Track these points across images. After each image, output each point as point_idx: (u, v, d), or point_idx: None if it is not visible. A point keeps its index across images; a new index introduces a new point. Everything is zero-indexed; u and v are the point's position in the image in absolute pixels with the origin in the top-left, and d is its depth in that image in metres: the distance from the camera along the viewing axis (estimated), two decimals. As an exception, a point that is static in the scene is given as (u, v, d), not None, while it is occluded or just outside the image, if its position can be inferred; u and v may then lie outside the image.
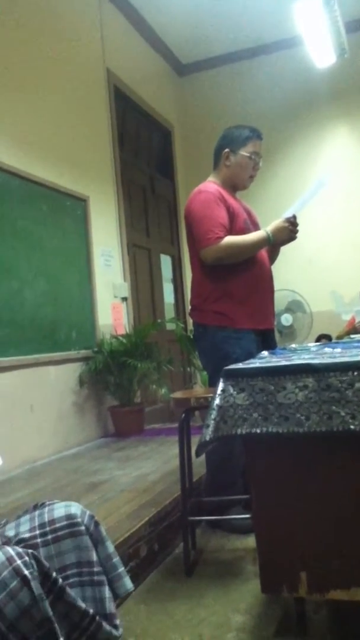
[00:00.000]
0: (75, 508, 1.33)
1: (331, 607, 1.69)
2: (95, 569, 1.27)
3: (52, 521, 1.29)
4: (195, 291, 2.61)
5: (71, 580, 1.25)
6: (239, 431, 1.52)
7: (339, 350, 1.85)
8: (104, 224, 4.75)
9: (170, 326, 5.36)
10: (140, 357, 4.24)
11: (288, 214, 2.49)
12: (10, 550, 1.14)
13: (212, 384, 2.48)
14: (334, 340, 3.42)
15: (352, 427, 1.41)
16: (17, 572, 1.10)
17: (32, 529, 1.29)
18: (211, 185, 2.56)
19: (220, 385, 1.56)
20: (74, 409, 4.05)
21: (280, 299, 4.90)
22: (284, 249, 2.70)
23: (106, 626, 1.23)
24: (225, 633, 1.66)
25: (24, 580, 1.10)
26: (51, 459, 3.63)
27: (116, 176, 5.03)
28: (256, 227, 2.65)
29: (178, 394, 2.39)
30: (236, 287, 2.49)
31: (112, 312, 4.73)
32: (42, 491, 2.80)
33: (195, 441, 2.15)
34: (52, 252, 3.99)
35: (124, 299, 4.95)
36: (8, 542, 1.25)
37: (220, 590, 1.95)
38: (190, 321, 3.42)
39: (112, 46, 5.04)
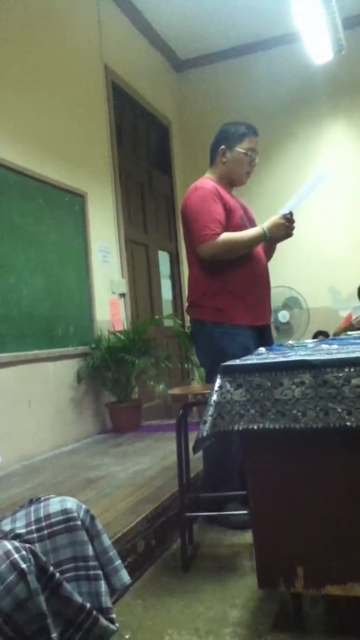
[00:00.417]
0: (70, 503, 1.33)
1: (327, 603, 1.70)
2: (91, 564, 1.27)
3: (47, 516, 1.29)
4: (192, 287, 2.61)
5: (67, 575, 1.25)
6: (236, 427, 1.52)
7: (335, 346, 1.86)
8: (102, 220, 4.75)
9: (167, 322, 5.37)
10: (138, 353, 4.25)
11: (284, 210, 2.49)
12: (7, 544, 1.15)
13: (210, 380, 2.48)
14: (331, 337, 3.42)
15: (348, 423, 1.42)
16: (14, 566, 1.10)
17: (28, 524, 1.29)
18: (208, 181, 2.56)
19: (218, 382, 1.57)
20: (72, 405, 4.05)
21: (277, 296, 4.91)
22: (281, 246, 2.70)
23: (102, 621, 1.23)
24: (222, 628, 1.67)
25: (21, 574, 1.10)
26: (48, 455, 3.63)
27: (114, 172, 5.03)
28: (252, 223, 2.65)
29: (176, 391, 2.40)
30: (233, 283, 2.49)
31: (110, 308, 4.73)
32: (39, 487, 2.80)
33: (192, 437, 2.16)
34: (49, 247, 3.98)
35: (122, 295, 4.95)
36: (4, 537, 1.25)
37: (217, 585, 1.96)
38: (188, 317, 3.42)
39: (110, 42, 5.02)
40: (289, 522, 1.55)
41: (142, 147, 5.82)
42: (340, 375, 1.44)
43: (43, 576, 1.14)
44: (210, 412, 1.55)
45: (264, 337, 2.59)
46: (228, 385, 1.55)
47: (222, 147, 2.57)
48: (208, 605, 1.82)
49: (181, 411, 2.24)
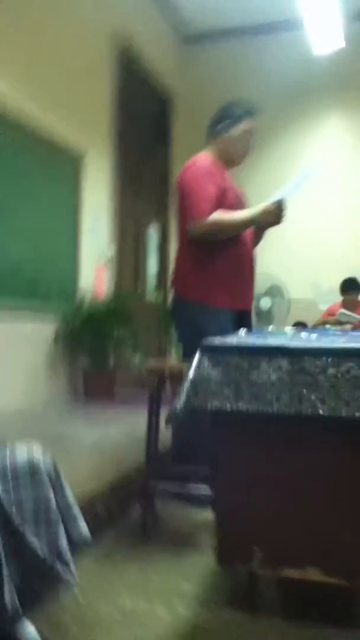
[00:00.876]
0: (37, 452, 1.33)
1: (282, 585, 1.74)
2: (53, 517, 1.28)
3: (13, 467, 1.28)
4: (178, 264, 2.60)
5: (28, 525, 1.26)
6: (209, 405, 1.53)
7: (314, 336, 1.88)
8: (96, 185, 4.69)
9: (150, 296, 5.35)
10: (118, 323, 4.24)
11: (276, 197, 2.48)
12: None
13: (186, 357, 2.49)
14: (309, 329, 3.45)
15: (320, 411, 1.43)
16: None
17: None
18: (204, 159, 2.53)
19: (197, 358, 1.57)
20: (46, 367, 4.04)
21: (261, 282, 4.92)
22: (269, 233, 2.70)
23: (61, 571, 1.25)
24: (174, 598, 1.70)
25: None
26: (17, 412, 3.62)
27: (112, 139, 4.95)
28: (244, 207, 2.64)
29: (152, 363, 2.41)
30: (218, 264, 2.49)
31: (94, 275, 4.70)
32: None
33: (164, 411, 2.17)
34: (41, 205, 3.92)
35: (108, 263, 4.91)
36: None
37: (174, 557, 1.99)
38: (169, 293, 3.42)
39: (120, 6, 4.90)
40: (250, 502, 1.58)
41: (142, 117, 5.72)
42: (318, 363, 1.45)
43: (8, 526, 1.15)
44: (185, 388, 1.55)
45: (243, 321, 2.60)
46: (206, 363, 1.55)
47: (221, 125, 2.54)
48: (163, 576, 1.85)
49: (155, 384, 2.25)
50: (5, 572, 1.14)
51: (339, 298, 5.39)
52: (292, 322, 5.18)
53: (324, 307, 5.62)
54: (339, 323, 4.58)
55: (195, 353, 1.59)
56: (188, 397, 1.55)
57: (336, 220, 5.81)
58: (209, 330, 2.35)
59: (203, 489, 2.27)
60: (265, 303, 5.49)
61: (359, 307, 5.32)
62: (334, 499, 1.50)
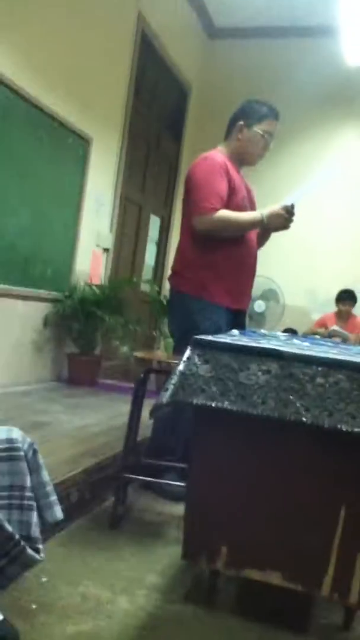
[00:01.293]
0: (16, 433, 1.32)
1: (242, 584, 1.75)
2: (27, 494, 1.27)
3: None
4: (179, 257, 2.58)
5: (1, 502, 1.25)
6: (195, 400, 1.52)
7: (307, 344, 1.87)
8: (102, 170, 4.65)
9: (145, 287, 5.34)
10: (109, 310, 4.22)
11: (287, 201, 2.47)
12: None
13: (177, 352, 2.48)
14: (300, 336, 3.45)
15: (304, 419, 1.43)
16: None
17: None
18: (219, 154, 2.52)
19: (187, 353, 1.56)
20: (33, 348, 4.02)
21: (257, 285, 4.90)
22: (274, 236, 2.69)
23: (29, 550, 1.24)
24: (137, 589, 1.70)
25: None
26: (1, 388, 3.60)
27: (124, 125, 4.91)
28: (253, 206, 2.63)
29: (141, 354, 2.40)
30: (220, 261, 2.47)
31: (91, 260, 4.67)
32: (-16, 420, 2.78)
33: (147, 403, 2.16)
34: (44, 185, 3.89)
35: (106, 250, 4.89)
36: None
37: (141, 548, 1.99)
38: (165, 287, 3.40)
39: (149, -11, 4.86)
40: (222, 502, 1.58)
41: (158, 106, 5.69)
42: (307, 371, 1.45)
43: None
44: (173, 381, 1.54)
45: (238, 321, 2.59)
46: (196, 359, 1.54)
47: (241, 122, 2.52)
48: (128, 566, 1.84)
49: (142, 375, 2.24)
50: None
51: (332, 308, 5.42)
52: (283, 328, 5.19)
53: (316, 317, 5.65)
54: (330, 336, 4.61)
55: (186, 347, 1.58)
56: (175, 390, 1.54)
57: (339, 231, 5.82)
58: (202, 325, 2.36)
59: (177, 484, 2.27)
60: (259, 306, 5.50)
61: (351, 319, 5.35)
62: (299, 507, 1.51)
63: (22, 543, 1.23)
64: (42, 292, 4.02)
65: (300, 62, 5.89)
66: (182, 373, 1.55)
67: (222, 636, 1.51)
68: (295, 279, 5.76)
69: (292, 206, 2.46)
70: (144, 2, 4.84)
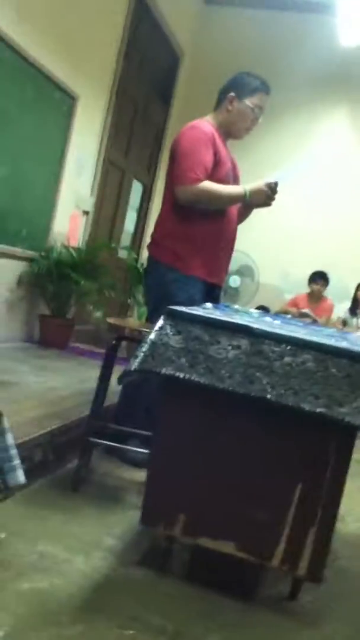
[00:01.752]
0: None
1: (196, 552, 1.79)
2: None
3: None
4: (158, 225, 2.56)
5: None
6: (163, 370, 1.53)
7: (278, 322, 1.89)
8: (87, 129, 4.55)
9: (123, 254, 5.29)
10: (85, 274, 4.18)
11: (271, 179, 2.46)
12: None
13: (150, 320, 2.48)
14: (272, 314, 3.48)
15: (268, 396, 1.46)
16: None
17: None
18: (207, 125, 2.48)
19: (160, 322, 1.56)
20: (5, 306, 3.97)
21: (234, 260, 4.93)
22: (253, 213, 2.68)
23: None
24: (94, 551, 1.73)
25: None
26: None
27: (112, 85, 4.79)
28: (236, 181, 2.61)
29: (114, 320, 2.39)
30: (198, 233, 2.46)
31: (69, 221, 4.60)
32: None
33: (117, 370, 2.17)
34: (26, 140, 3.78)
35: (86, 212, 4.81)
36: None
37: (100, 511, 2.01)
38: (143, 255, 3.37)
39: None
40: (183, 471, 1.60)
41: (148, 69, 5.55)
42: (276, 349, 1.47)
43: None
44: (144, 349, 1.55)
45: (212, 295, 2.60)
46: (168, 329, 1.55)
47: (232, 94, 2.48)
48: (86, 528, 1.87)
49: (114, 341, 2.24)
50: None
51: (305, 289, 5.48)
52: (256, 305, 5.23)
53: (289, 297, 5.71)
54: (300, 316, 4.69)
55: (159, 316, 1.58)
56: (144, 358, 1.55)
57: (317, 213, 5.84)
58: (177, 296, 2.36)
59: (140, 450, 2.29)
60: (234, 281, 5.52)
61: (322, 301, 5.43)
62: (253, 478, 1.55)
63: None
64: (17, 250, 3.95)
65: (296, 37, 5.81)
66: (153, 342, 1.55)
67: (173, 601, 1.55)
68: (271, 257, 5.79)
69: (276, 184, 2.45)
70: None
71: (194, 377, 1.52)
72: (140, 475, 2.28)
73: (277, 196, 2.48)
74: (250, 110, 2.49)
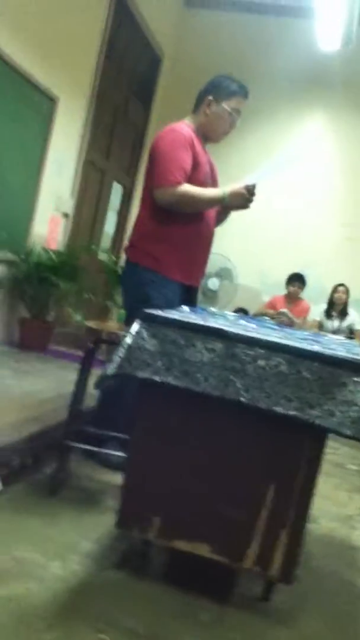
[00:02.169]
0: None
1: (172, 555, 1.80)
2: None
3: None
4: (136, 227, 2.57)
5: None
6: (140, 374, 1.54)
7: (253, 325, 1.91)
8: (67, 131, 4.54)
9: (103, 256, 5.28)
10: (65, 277, 4.17)
11: (249, 181, 2.47)
12: None
13: (128, 323, 2.48)
14: (249, 316, 3.52)
15: (242, 399, 1.47)
16: None
17: None
18: (185, 127, 2.49)
19: (135, 326, 1.57)
20: (-17, 309, 3.94)
21: (212, 262, 4.96)
22: (232, 216, 2.70)
23: None
24: (71, 554, 1.73)
25: None
26: None
27: (92, 87, 4.78)
28: (215, 184, 2.62)
29: (92, 323, 2.39)
30: (176, 236, 2.47)
31: (49, 224, 4.58)
32: None
33: (95, 373, 2.17)
34: (5, 142, 3.77)
35: (65, 215, 4.80)
36: None
37: (77, 515, 2.01)
38: (123, 257, 3.37)
39: None
40: (158, 474, 1.61)
41: (128, 70, 5.56)
42: (249, 352, 1.49)
43: None
44: (120, 353, 1.55)
45: (190, 297, 2.61)
46: (144, 332, 1.55)
47: (210, 97, 2.50)
48: (63, 532, 1.87)
49: (92, 345, 2.24)
50: None
51: (282, 291, 5.53)
52: (235, 307, 5.27)
53: (266, 298, 5.75)
54: (278, 315, 4.74)
55: (136, 319, 1.59)
56: (121, 362, 1.55)
57: (295, 216, 5.91)
58: (153, 299, 2.36)
59: (117, 454, 2.30)
60: (213, 284, 5.54)
61: (299, 302, 5.49)
62: (229, 483, 1.56)
63: None
64: (-4, 254, 3.93)
65: (275, 40, 5.86)
66: (129, 346, 1.56)
67: (149, 603, 1.55)
68: (249, 259, 5.84)
69: (254, 186, 2.47)
70: None
71: (170, 381, 1.53)
72: (118, 478, 2.28)
73: (254, 198, 2.50)
74: (228, 114, 2.51)
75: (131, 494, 1.64)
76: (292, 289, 5.41)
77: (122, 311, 4.18)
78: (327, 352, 1.48)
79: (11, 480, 2.13)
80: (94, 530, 1.91)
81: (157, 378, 1.54)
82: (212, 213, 2.59)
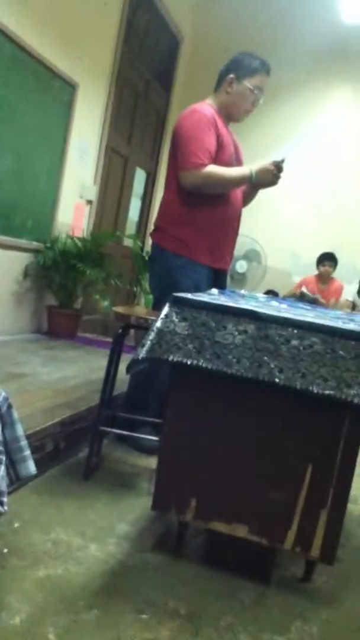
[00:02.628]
0: (-10, 386, 1.32)
1: (209, 536, 1.80)
2: (-3, 448, 1.29)
3: None
4: (162, 211, 2.55)
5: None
6: (171, 357, 1.53)
7: (284, 306, 1.89)
8: (88, 118, 4.52)
9: (128, 242, 5.28)
10: (91, 264, 4.18)
11: (277, 157, 2.42)
12: None
13: (156, 308, 2.48)
14: (280, 298, 3.48)
15: (276, 379, 1.46)
16: None
17: None
18: (207, 107, 2.45)
19: (165, 310, 1.56)
20: (13, 298, 3.98)
21: (240, 245, 4.92)
22: (258, 196, 2.66)
23: (-4, 506, 1.26)
24: (107, 537, 1.75)
25: None
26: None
27: (112, 71, 4.75)
28: (239, 164, 2.58)
29: (120, 309, 2.39)
30: (203, 218, 2.45)
31: (74, 212, 4.59)
32: None
33: (125, 358, 2.17)
34: (27, 131, 3.77)
35: (89, 202, 4.80)
36: None
37: (113, 498, 2.03)
38: (148, 242, 3.37)
39: None
40: (194, 456, 1.61)
41: (148, 54, 5.49)
42: (283, 333, 1.47)
43: None
44: (150, 337, 1.55)
45: (218, 280, 2.59)
46: (174, 316, 1.55)
47: (231, 75, 2.45)
48: (99, 515, 1.89)
49: (121, 330, 2.24)
50: None
51: (314, 271, 5.45)
52: (264, 289, 5.21)
53: (297, 279, 5.68)
54: (301, 296, 4.69)
55: (165, 304, 1.58)
56: (151, 346, 1.55)
57: (323, 194, 5.79)
58: (182, 283, 2.35)
59: (151, 438, 2.31)
60: (241, 266, 5.50)
61: (331, 282, 5.40)
62: (264, 461, 1.55)
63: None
64: (23, 242, 3.96)
65: (297, 15, 5.72)
66: (160, 330, 1.55)
67: (187, 584, 1.56)
68: (278, 240, 5.76)
69: (282, 161, 2.42)
70: None
71: (202, 363, 1.52)
72: (152, 462, 2.30)
73: (282, 174, 2.45)
74: (250, 92, 2.46)
75: (166, 476, 1.64)
76: (322, 268, 5.33)
77: (149, 296, 4.19)
78: (363, 330, 1.45)
79: (46, 465, 2.16)
80: (129, 512, 1.93)
81: (188, 361, 1.53)
82: (238, 194, 2.55)
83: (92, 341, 4.41)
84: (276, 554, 1.65)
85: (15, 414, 1.37)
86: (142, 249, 5.12)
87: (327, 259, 5.30)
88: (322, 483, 1.49)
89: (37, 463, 2.04)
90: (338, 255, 5.33)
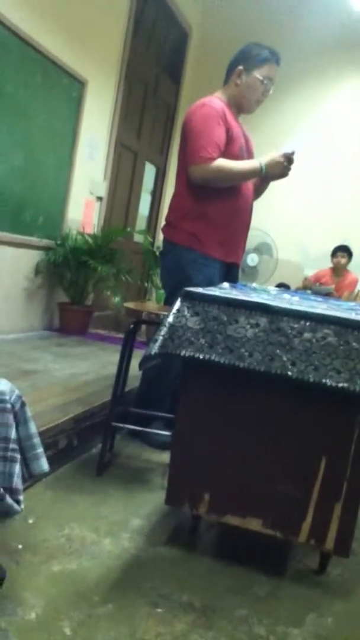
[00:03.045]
0: (3, 385, 1.32)
1: (222, 530, 1.80)
2: (11, 446, 1.28)
3: None
4: (173, 206, 2.54)
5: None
6: (183, 352, 1.53)
7: (296, 299, 1.87)
8: (97, 114, 4.51)
9: (138, 238, 5.27)
10: (102, 260, 4.19)
11: (287, 149, 2.40)
12: None
13: (168, 303, 2.48)
14: (292, 290, 3.46)
15: (289, 373, 1.45)
16: None
17: None
18: (217, 101, 2.44)
19: (177, 305, 1.56)
20: (24, 295, 4.00)
21: (251, 238, 4.89)
22: (269, 188, 2.64)
23: (8, 499, 1.26)
24: (121, 532, 1.75)
25: None
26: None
27: (121, 66, 4.73)
28: (250, 156, 2.57)
29: (131, 304, 2.39)
30: (214, 212, 2.43)
31: (84, 208, 4.59)
32: (-26, 365, 2.80)
33: (136, 354, 2.17)
34: (36, 127, 3.77)
35: (99, 198, 4.80)
36: None
37: (126, 493, 2.03)
38: (159, 238, 3.36)
39: None
40: (206, 450, 1.61)
41: (156, 47, 5.47)
42: (295, 326, 1.46)
43: None
44: (162, 332, 1.54)
45: (230, 274, 2.58)
46: (186, 311, 1.54)
47: (240, 67, 2.43)
48: (113, 510, 1.89)
49: (132, 325, 2.24)
50: None
51: (325, 264, 5.41)
52: (276, 282, 5.19)
53: (309, 272, 5.64)
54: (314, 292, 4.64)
55: (176, 298, 1.58)
56: (164, 342, 1.55)
57: (335, 185, 5.74)
58: (194, 277, 2.34)
59: (163, 433, 2.31)
60: (252, 259, 5.47)
61: (346, 274, 5.36)
62: (277, 454, 1.55)
63: (2, 492, 1.24)
64: (34, 239, 3.97)
65: (306, 4, 5.65)
66: (171, 325, 1.55)
67: (202, 578, 1.56)
68: (289, 233, 5.72)
69: (292, 153, 2.40)
70: None
71: (214, 357, 1.52)
72: (164, 457, 2.31)
73: (292, 166, 2.43)
74: (260, 82, 2.44)
75: (179, 470, 1.64)
76: (336, 260, 5.29)
77: (161, 292, 4.19)
78: (376, 322, 1.43)
79: (59, 461, 2.17)
80: (143, 507, 1.93)
81: (200, 355, 1.53)
82: (249, 187, 2.54)
83: (104, 337, 4.42)
84: (290, 546, 1.64)
85: (29, 412, 1.37)
86: (152, 244, 5.11)
87: (342, 251, 5.27)
88: (336, 475, 1.48)
89: (51, 459, 2.05)
90: (352, 248, 5.29)
